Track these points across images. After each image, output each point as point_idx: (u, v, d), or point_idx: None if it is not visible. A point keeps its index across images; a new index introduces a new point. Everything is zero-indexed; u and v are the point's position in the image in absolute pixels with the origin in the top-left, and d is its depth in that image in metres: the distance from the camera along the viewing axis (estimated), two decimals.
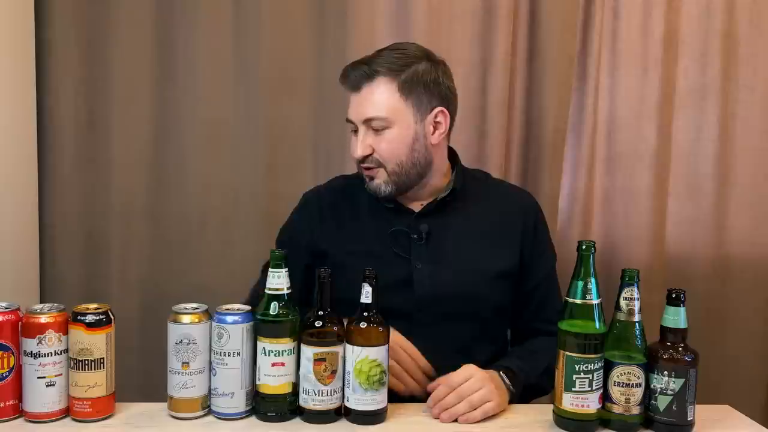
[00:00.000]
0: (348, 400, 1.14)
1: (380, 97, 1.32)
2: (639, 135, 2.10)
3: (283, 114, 2.01)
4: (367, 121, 1.34)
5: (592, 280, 1.11)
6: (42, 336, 1.09)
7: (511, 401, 1.25)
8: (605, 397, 1.13)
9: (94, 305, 1.13)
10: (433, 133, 1.36)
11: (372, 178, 1.37)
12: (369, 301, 1.13)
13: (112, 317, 1.13)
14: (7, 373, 1.10)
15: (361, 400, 1.13)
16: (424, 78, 1.34)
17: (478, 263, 1.37)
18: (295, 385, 1.15)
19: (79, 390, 1.11)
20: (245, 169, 2.02)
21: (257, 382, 1.15)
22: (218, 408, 1.15)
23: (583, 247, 1.12)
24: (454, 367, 1.23)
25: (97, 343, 1.10)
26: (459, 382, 1.18)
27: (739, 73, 2.12)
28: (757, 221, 2.16)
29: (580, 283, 1.11)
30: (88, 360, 1.10)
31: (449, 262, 1.36)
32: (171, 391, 1.14)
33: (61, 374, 1.11)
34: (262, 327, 1.13)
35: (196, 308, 1.15)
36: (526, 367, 1.29)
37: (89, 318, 1.10)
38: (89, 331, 1.10)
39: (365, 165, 1.36)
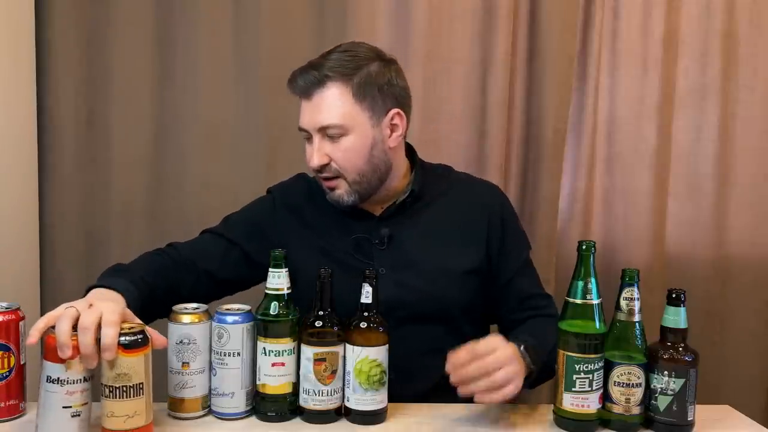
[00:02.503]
0: (348, 400, 1.14)
1: (334, 103, 1.27)
2: (639, 135, 2.10)
3: (283, 114, 2.01)
4: (322, 129, 1.28)
5: (592, 280, 1.11)
6: (72, 360, 0.97)
7: (527, 380, 1.16)
8: (605, 397, 1.13)
9: (127, 324, 1.02)
10: (391, 135, 1.32)
11: (333, 189, 1.32)
12: (369, 301, 1.12)
13: (149, 336, 1.02)
14: (7, 373, 1.09)
15: (361, 400, 1.13)
16: (378, 80, 1.29)
17: (442, 264, 1.34)
18: (295, 385, 1.15)
19: (116, 421, 0.99)
20: (245, 169, 2.02)
21: (257, 382, 1.15)
22: (218, 408, 1.15)
23: (583, 247, 1.12)
24: (427, 369, 1.20)
25: (135, 366, 0.99)
26: (484, 352, 1.10)
27: (739, 73, 2.13)
28: (757, 221, 2.17)
29: (580, 283, 1.11)
30: (126, 386, 0.99)
31: (413, 264, 1.33)
32: (171, 391, 1.14)
33: (87, 403, 1.00)
34: (262, 327, 1.13)
35: (196, 308, 1.15)
36: (538, 343, 1.20)
37: (126, 339, 0.99)
38: (127, 353, 0.98)
39: (324, 175, 1.31)
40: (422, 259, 1.35)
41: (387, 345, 1.14)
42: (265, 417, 1.14)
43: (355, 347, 1.12)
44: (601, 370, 1.12)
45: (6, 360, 1.09)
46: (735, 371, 2.18)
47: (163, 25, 2.00)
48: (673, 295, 1.11)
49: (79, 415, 0.99)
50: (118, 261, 2.00)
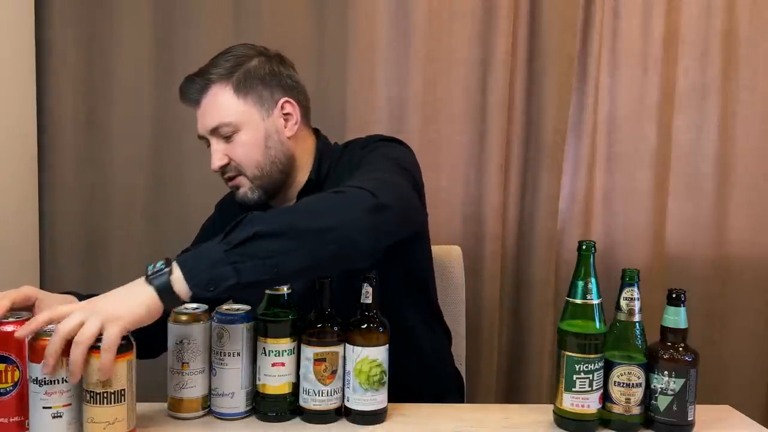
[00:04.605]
0: (348, 400, 1.14)
1: (220, 103, 1.30)
2: (639, 135, 2.10)
3: None
4: (215, 131, 1.31)
5: (593, 280, 1.11)
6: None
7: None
8: (605, 397, 1.13)
9: None
10: (286, 125, 1.34)
11: (238, 188, 1.35)
12: (369, 301, 1.13)
13: (133, 342, 1.01)
14: (10, 388, 1.03)
15: (361, 400, 1.13)
16: (259, 72, 1.32)
17: None
18: (295, 385, 1.15)
19: (96, 427, 0.98)
20: None
21: (257, 382, 1.15)
22: (218, 408, 1.15)
23: (583, 247, 1.12)
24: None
25: (117, 372, 0.98)
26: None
27: (739, 73, 2.12)
28: (757, 221, 2.16)
29: (580, 283, 1.11)
30: (107, 392, 0.98)
31: None
32: (171, 391, 1.14)
33: (70, 404, 0.99)
34: (262, 327, 1.13)
35: (196, 308, 1.15)
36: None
37: None
38: None
39: (227, 175, 1.34)
40: None
41: (387, 345, 1.14)
42: (265, 417, 1.14)
43: (355, 347, 1.12)
44: (601, 370, 1.12)
45: (10, 374, 1.02)
46: (735, 371, 2.17)
47: (163, 25, 1.99)
48: (673, 295, 1.11)
49: (61, 416, 0.99)
50: (118, 261, 2.02)
